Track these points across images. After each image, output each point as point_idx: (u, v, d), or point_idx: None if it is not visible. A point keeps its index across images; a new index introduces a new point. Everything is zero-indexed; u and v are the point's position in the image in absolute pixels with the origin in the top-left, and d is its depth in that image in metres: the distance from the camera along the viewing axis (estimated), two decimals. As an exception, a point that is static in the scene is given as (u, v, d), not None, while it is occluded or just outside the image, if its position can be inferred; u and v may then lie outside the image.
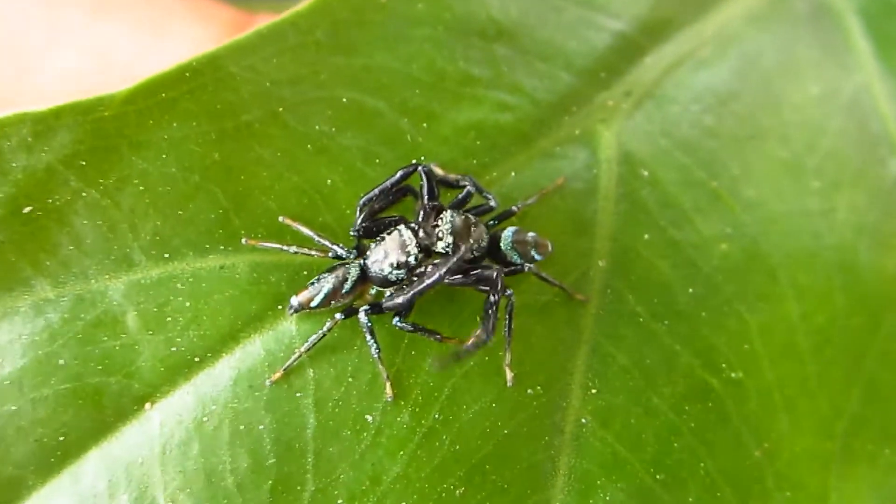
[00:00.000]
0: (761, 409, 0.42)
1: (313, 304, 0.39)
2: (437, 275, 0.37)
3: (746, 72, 0.48)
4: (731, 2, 0.49)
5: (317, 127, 0.41)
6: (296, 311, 0.39)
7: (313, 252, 0.40)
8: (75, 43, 0.50)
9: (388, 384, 0.39)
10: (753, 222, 0.44)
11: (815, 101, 0.48)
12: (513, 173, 0.43)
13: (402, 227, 0.40)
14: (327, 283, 0.39)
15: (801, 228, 0.45)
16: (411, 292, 0.38)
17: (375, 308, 0.39)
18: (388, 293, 0.40)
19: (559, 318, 0.42)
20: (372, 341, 0.39)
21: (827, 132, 0.47)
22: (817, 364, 0.43)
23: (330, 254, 0.40)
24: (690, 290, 0.43)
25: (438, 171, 0.42)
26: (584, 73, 0.46)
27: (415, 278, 0.39)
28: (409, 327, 0.39)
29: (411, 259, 0.39)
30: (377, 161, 0.42)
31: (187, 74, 0.40)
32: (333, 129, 0.42)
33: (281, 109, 0.41)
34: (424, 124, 0.43)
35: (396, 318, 0.39)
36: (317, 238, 0.40)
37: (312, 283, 0.39)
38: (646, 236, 0.43)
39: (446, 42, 0.44)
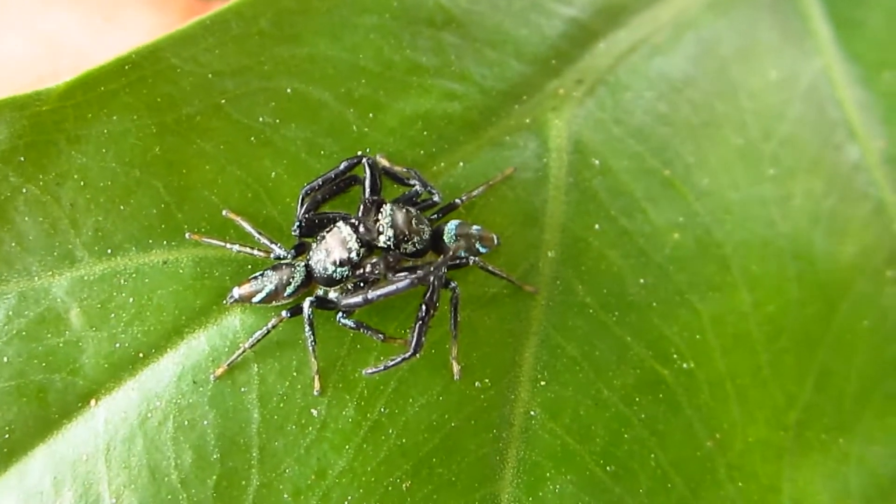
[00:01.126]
0: (713, 399, 0.45)
1: (255, 299, 0.42)
2: (406, 281, 0.40)
3: (703, 58, 0.51)
4: (689, -15, 0.52)
5: (260, 119, 0.44)
6: (235, 301, 0.42)
7: (255, 251, 0.43)
8: (25, 28, 0.52)
9: (316, 378, 0.42)
10: (706, 211, 0.47)
11: (774, 86, 0.51)
12: (461, 163, 0.46)
13: (341, 223, 0.43)
14: (270, 282, 0.42)
15: (756, 217, 0.48)
16: (370, 295, 0.40)
17: (322, 302, 0.42)
18: (335, 291, 0.43)
19: (508, 310, 0.45)
20: (310, 333, 0.41)
21: (784, 118, 0.50)
22: (770, 353, 0.46)
23: (271, 254, 0.43)
24: (641, 281, 0.46)
25: (384, 163, 0.45)
26: (534, 61, 0.49)
27: (360, 272, 0.42)
28: (353, 325, 0.42)
29: (353, 255, 0.42)
30: (322, 153, 0.45)
31: (127, 67, 0.43)
32: (277, 121, 0.44)
33: (223, 101, 0.44)
34: (370, 114, 0.46)
35: (340, 315, 0.42)
36: (257, 236, 0.43)
37: (256, 277, 0.42)
38: (596, 226, 0.46)
39: (393, 30, 0.47)
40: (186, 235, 0.42)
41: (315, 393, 0.42)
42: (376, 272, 0.42)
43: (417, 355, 0.41)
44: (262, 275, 0.42)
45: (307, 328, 0.42)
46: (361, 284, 0.43)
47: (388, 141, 0.46)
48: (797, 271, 0.47)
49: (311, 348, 0.42)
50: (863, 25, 0.52)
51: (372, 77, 0.46)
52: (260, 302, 0.42)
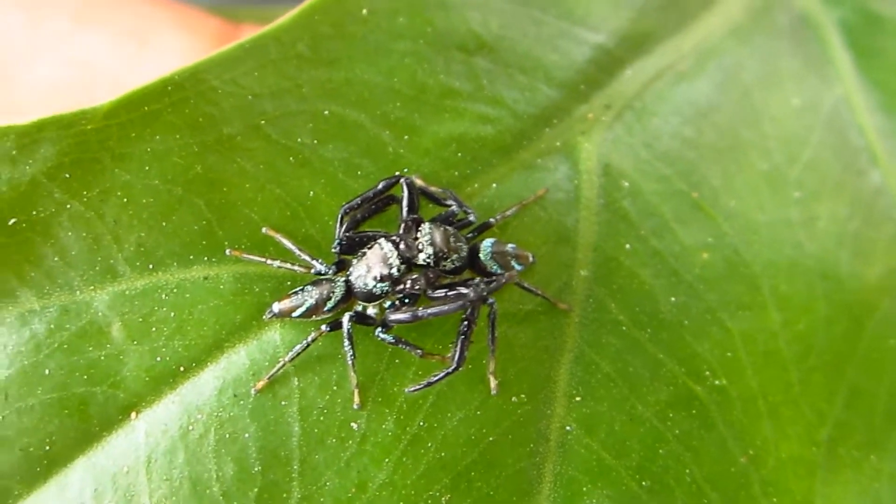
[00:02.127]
0: (745, 415, 0.45)
1: (295, 314, 0.42)
2: (458, 303, 0.40)
3: (726, 84, 0.51)
4: (712, 15, 0.53)
5: (299, 139, 0.45)
6: (275, 316, 0.42)
7: (296, 267, 0.43)
8: (59, 53, 0.53)
9: (356, 392, 0.42)
10: (734, 232, 0.48)
11: (796, 113, 0.51)
12: (494, 185, 0.47)
13: (382, 240, 0.43)
14: (310, 297, 0.42)
15: (783, 238, 0.48)
16: (420, 313, 0.40)
17: (361, 317, 0.42)
18: (374, 307, 0.43)
19: (542, 327, 0.45)
20: (349, 347, 0.41)
21: (807, 144, 0.50)
22: (800, 371, 0.46)
23: (312, 270, 0.43)
24: (672, 299, 0.46)
25: (420, 183, 0.45)
26: (564, 86, 0.49)
27: (400, 288, 0.42)
28: (392, 340, 0.42)
29: (394, 271, 0.42)
30: (359, 173, 0.45)
31: (169, 88, 0.43)
32: (315, 142, 0.45)
33: (263, 122, 0.44)
34: (406, 136, 0.46)
35: (379, 330, 0.42)
36: (297, 252, 0.43)
37: (296, 293, 0.42)
38: (627, 246, 0.47)
39: (427, 55, 0.47)
40: (227, 252, 0.43)
41: (355, 407, 0.42)
42: (416, 288, 0.42)
43: (460, 369, 0.41)
44: (302, 290, 0.42)
45: (346, 342, 0.42)
46: (402, 300, 0.43)
47: (422, 162, 0.46)
48: (825, 291, 0.48)
49: (350, 362, 0.42)
50: (883, 54, 0.53)
51: (407, 100, 0.46)
52: (300, 317, 0.42)
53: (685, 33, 0.52)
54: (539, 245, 0.46)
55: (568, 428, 0.44)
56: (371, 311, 0.43)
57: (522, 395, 0.44)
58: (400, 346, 0.42)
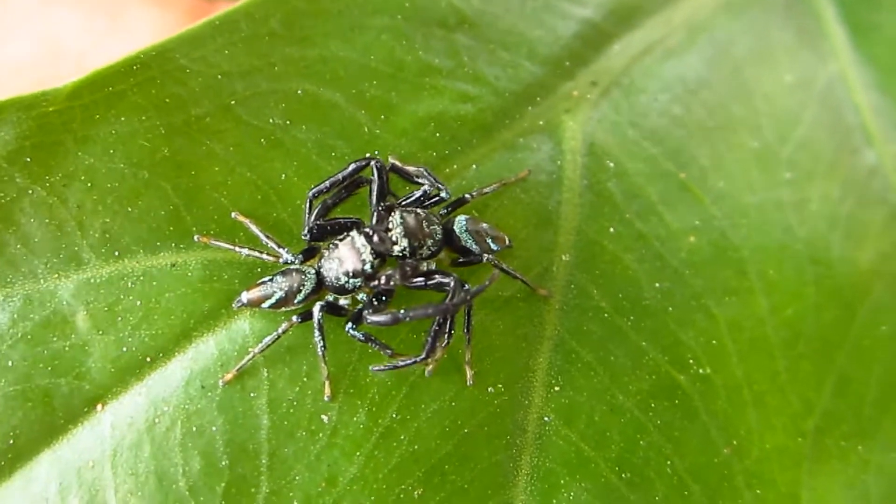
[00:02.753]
0: (730, 405, 0.44)
1: (264, 305, 0.40)
2: (441, 307, 0.38)
3: (717, 60, 0.49)
4: (703, -13, 0.50)
5: (270, 120, 0.43)
6: (244, 306, 0.40)
7: (264, 255, 0.41)
8: (28, 31, 0.51)
9: (327, 384, 0.40)
10: (723, 215, 0.46)
11: (789, 89, 0.49)
12: (474, 166, 0.45)
13: (354, 233, 0.41)
14: (280, 288, 0.40)
15: (772, 221, 0.46)
16: (401, 315, 0.38)
17: (332, 307, 0.41)
18: (345, 298, 0.41)
19: (521, 315, 0.43)
20: (320, 338, 0.40)
21: (800, 122, 0.48)
22: (788, 359, 0.45)
23: (280, 259, 0.41)
24: (657, 285, 0.44)
25: (396, 164, 0.43)
26: (548, 63, 0.47)
27: (374, 283, 0.40)
28: (361, 337, 0.40)
29: (367, 267, 0.41)
30: (333, 154, 0.43)
31: (135, 67, 0.41)
32: (288, 123, 0.43)
33: (233, 102, 0.43)
34: (382, 116, 0.44)
35: (350, 326, 0.40)
36: (265, 239, 0.41)
37: (265, 282, 0.41)
38: (611, 229, 0.45)
39: (405, 31, 0.45)
40: (195, 238, 0.41)
41: (325, 399, 0.40)
42: (391, 283, 0.40)
43: (428, 360, 0.40)
44: (271, 280, 0.41)
45: (317, 333, 0.40)
46: (377, 296, 0.41)
47: (400, 143, 0.44)
48: (815, 276, 0.46)
49: (321, 354, 0.40)
50: (879, 29, 0.51)
51: (384, 78, 0.44)
52: (270, 307, 0.40)
53: (675, 6, 0.50)
54: (519, 228, 0.44)
55: (546, 419, 0.42)
56: (343, 301, 0.41)
57: (499, 385, 0.42)
58: (370, 343, 0.40)
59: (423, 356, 0.39)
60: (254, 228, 0.41)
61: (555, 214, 0.45)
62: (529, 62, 0.47)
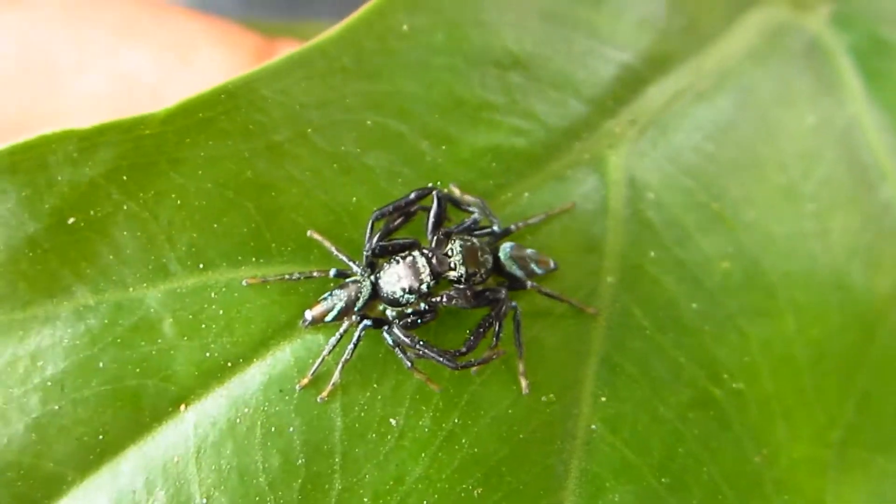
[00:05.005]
0: (761, 417, 0.43)
1: (327, 318, 0.40)
2: (444, 361, 0.38)
3: (744, 103, 0.49)
4: (729, 39, 0.50)
5: (343, 148, 0.42)
6: (310, 324, 0.40)
7: (314, 274, 0.40)
8: (103, 66, 0.51)
9: (329, 387, 0.39)
10: (753, 243, 0.45)
11: (811, 131, 0.49)
12: (526, 194, 0.44)
13: (416, 253, 0.41)
14: (340, 300, 0.40)
15: (798, 249, 0.46)
16: (420, 350, 0.38)
17: (377, 323, 0.40)
18: (401, 317, 0.41)
19: (571, 331, 0.43)
20: (351, 351, 0.39)
21: (822, 160, 0.48)
22: (813, 376, 0.44)
23: (351, 270, 0.41)
24: (694, 306, 0.44)
25: (455, 191, 0.43)
26: (592, 101, 0.47)
27: (434, 301, 0.40)
28: (391, 342, 0.39)
29: (423, 287, 0.40)
30: (399, 180, 0.43)
31: (223, 96, 0.41)
32: (359, 150, 0.43)
33: (309, 131, 0.42)
34: (443, 147, 0.44)
35: (386, 329, 0.40)
36: (337, 253, 0.41)
37: (325, 298, 0.40)
38: (652, 254, 0.44)
39: (464, 70, 0.45)
40: (243, 282, 0.40)
41: (318, 400, 0.39)
42: (452, 304, 0.40)
43: (468, 355, 0.39)
44: (330, 295, 0.40)
45: (351, 347, 0.39)
46: (423, 312, 0.41)
47: (459, 171, 0.44)
48: (838, 300, 0.45)
49: (341, 364, 0.39)
50: (890, 76, 0.50)
51: (445, 112, 0.44)
52: (333, 320, 0.40)
53: (705, 55, 0.50)
54: (568, 253, 0.44)
55: (593, 427, 0.42)
56: (390, 313, 0.41)
57: (551, 395, 0.41)
58: (395, 350, 0.39)
59: (463, 350, 0.39)
60: (327, 244, 0.41)
61: (600, 240, 0.44)
62: (576, 100, 0.46)
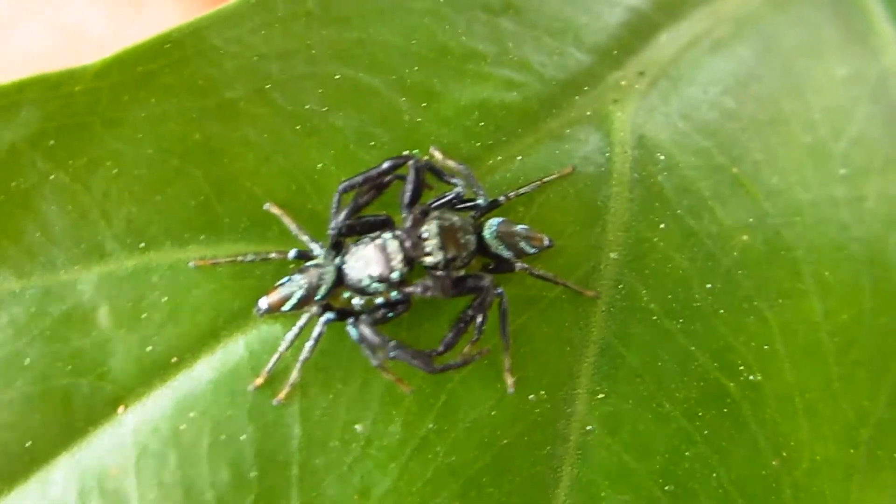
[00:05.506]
0: (780, 414, 0.37)
1: (285, 307, 0.34)
2: (417, 362, 0.33)
3: (766, 53, 0.42)
4: (750, -22, 0.44)
5: (307, 106, 0.36)
6: (265, 313, 0.34)
7: (272, 255, 0.35)
8: (44, 16, 0.46)
9: (287, 389, 0.34)
10: (776, 212, 0.39)
11: (841, 84, 0.42)
12: (519, 157, 0.38)
13: (387, 235, 0.35)
14: (300, 287, 0.34)
15: (827, 219, 0.40)
16: (391, 351, 0.33)
17: (341, 314, 0.35)
18: (369, 309, 0.35)
19: (566, 317, 0.37)
20: (311, 346, 0.34)
21: (854, 117, 0.42)
22: (841, 366, 0.38)
23: (312, 253, 0.35)
24: (708, 286, 0.38)
25: (437, 156, 0.37)
26: (595, 51, 0.40)
27: (406, 290, 0.34)
28: (356, 337, 0.34)
29: (395, 275, 0.34)
30: (372, 143, 0.37)
31: (167, 46, 0.35)
32: (325, 109, 0.37)
33: (268, 86, 0.36)
34: (424, 103, 0.38)
35: (351, 322, 0.34)
36: (297, 232, 0.35)
37: (283, 283, 0.35)
38: (661, 226, 0.38)
39: (448, 15, 0.39)
40: (190, 264, 0.34)
41: (274, 402, 0.34)
42: (428, 295, 0.34)
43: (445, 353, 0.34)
44: (289, 280, 0.34)
45: (311, 342, 0.34)
46: (392, 304, 0.35)
47: (442, 132, 0.37)
48: (872, 279, 0.39)
49: (301, 362, 0.34)
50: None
51: (425, 64, 0.38)
52: (291, 310, 0.34)
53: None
54: (566, 224, 0.38)
55: (589, 428, 0.36)
56: (356, 301, 0.35)
57: (542, 393, 0.36)
58: (362, 346, 0.34)
59: (440, 349, 0.34)
60: (287, 220, 0.35)
61: (603, 210, 0.38)
62: (576, 49, 0.40)
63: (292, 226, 0.35)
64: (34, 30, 0.45)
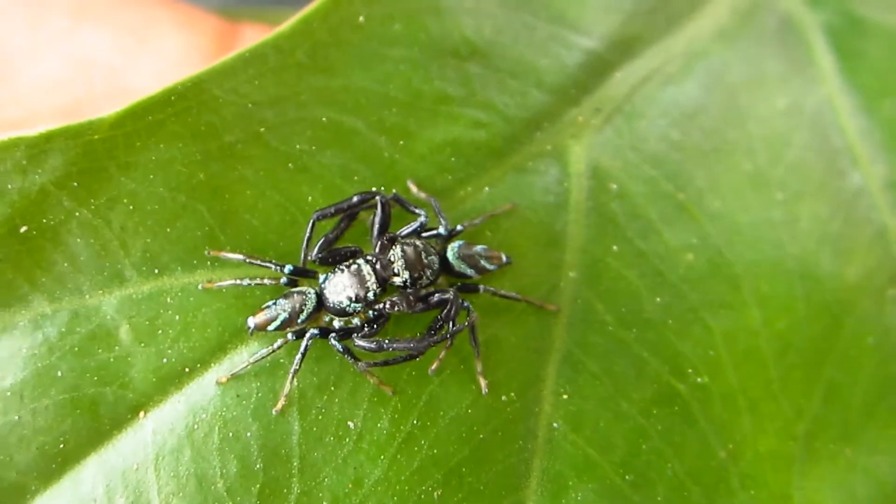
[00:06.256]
0: (726, 411, 0.47)
1: (270, 328, 0.44)
2: (425, 343, 0.42)
3: (713, 86, 0.52)
4: (699, 19, 0.54)
5: (297, 146, 0.46)
6: (254, 331, 0.44)
7: (266, 281, 0.44)
8: (59, 50, 0.54)
9: (283, 400, 0.43)
10: (718, 233, 0.49)
11: (781, 114, 0.52)
12: (487, 188, 0.48)
13: (361, 261, 0.44)
14: (284, 310, 0.44)
15: (765, 238, 0.50)
16: (385, 345, 0.42)
17: (324, 332, 0.44)
18: (349, 329, 0.45)
19: (532, 328, 0.47)
20: (299, 361, 0.43)
21: (791, 145, 0.52)
22: (779, 368, 0.48)
23: (281, 280, 0.45)
24: (657, 299, 0.48)
25: (413, 188, 0.47)
26: (554, 90, 0.50)
27: (378, 307, 0.44)
28: (340, 349, 0.44)
29: (370, 295, 0.44)
30: (355, 178, 0.47)
31: (173, 98, 0.45)
32: (313, 148, 0.46)
33: (262, 130, 0.46)
34: (401, 142, 0.48)
35: (333, 336, 0.44)
36: (262, 263, 0.44)
37: (269, 306, 0.44)
38: (614, 247, 0.48)
39: (422, 62, 0.49)
40: (199, 286, 0.44)
41: (273, 412, 0.43)
42: (395, 310, 0.43)
43: (418, 357, 0.43)
44: (274, 303, 0.44)
45: (299, 357, 0.43)
46: (372, 320, 0.45)
47: (418, 167, 0.47)
48: (805, 291, 0.49)
49: (291, 374, 0.43)
50: (864, 56, 0.54)
51: (402, 106, 0.48)
52: (275, 330, 0.44)
53: (674, 36, 0.53)
54: (529, 248, 0.48)
55: (555, 425, 0.46)
56: (337, 323, 0.45)
57: (512, 394, 0.45)
58: (347, 357, 0.43)
59: (414, 353, 0.43)
60: (237, 258, 0.44)
61: (562, 234, 0.48)
62: (537, 90, 0.50)
63: (251, 260, 0.44)
64: (49, 59, 0.53)
